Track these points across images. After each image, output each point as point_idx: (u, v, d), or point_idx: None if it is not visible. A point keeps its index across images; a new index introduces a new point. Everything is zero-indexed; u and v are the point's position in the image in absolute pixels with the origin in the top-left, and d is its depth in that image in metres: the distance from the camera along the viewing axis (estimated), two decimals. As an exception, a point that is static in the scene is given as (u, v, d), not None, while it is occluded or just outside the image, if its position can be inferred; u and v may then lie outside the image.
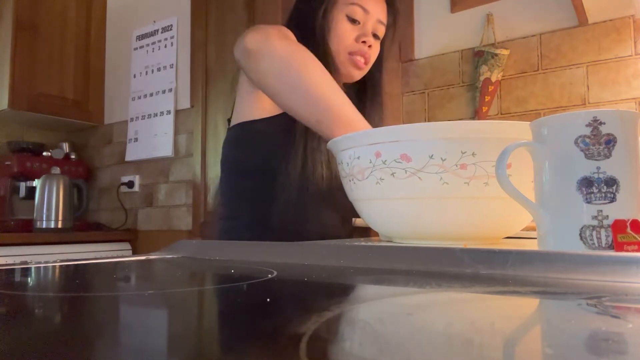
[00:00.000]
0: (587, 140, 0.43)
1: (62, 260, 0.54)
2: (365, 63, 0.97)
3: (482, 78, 1.55)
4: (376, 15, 0.97)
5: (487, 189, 0.53)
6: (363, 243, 0.57)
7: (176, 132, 2.36)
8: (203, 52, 2.29)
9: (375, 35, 0.98)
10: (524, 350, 0.21)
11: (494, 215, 0.56)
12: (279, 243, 0.58)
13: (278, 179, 0.88)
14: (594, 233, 0.43)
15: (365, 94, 1.04)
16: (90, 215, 2.66)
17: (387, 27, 1.01)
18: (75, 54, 2.55)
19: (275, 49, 0.79)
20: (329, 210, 0.93)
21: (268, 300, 0.32)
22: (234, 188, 0.96)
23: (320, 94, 0.75)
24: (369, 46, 0.96)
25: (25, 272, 0.48)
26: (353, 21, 0.95)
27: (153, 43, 2.50)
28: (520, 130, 0.53)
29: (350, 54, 0.95)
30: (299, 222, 0.90)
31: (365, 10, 0.95)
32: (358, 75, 0.98)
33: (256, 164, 0.92)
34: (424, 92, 1.71)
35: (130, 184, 2.50)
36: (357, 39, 0.95)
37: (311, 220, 0.92)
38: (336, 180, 0.90)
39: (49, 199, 2.24)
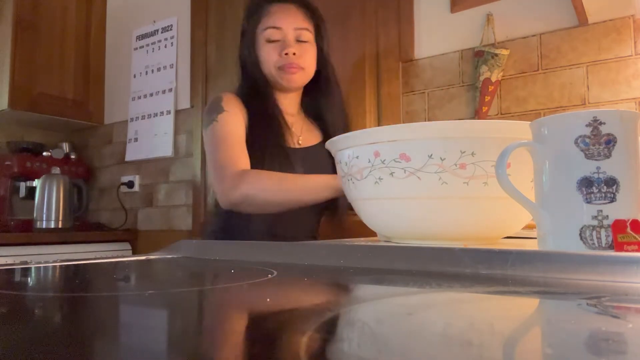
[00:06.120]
0: (587, 140, 0.43)
1: (62, 260, 0.54)
2: (296, 67, 1.09)
3: (482, 78, 1.55)
4: (291, 26, 1.10)
5: (486, 188, 0.53)
6: (363, 243, 0.57)
7: (176, 132, 2.36)
8: (203, 52, 2.29)
9: (300, 41, 1.10)
10: (524, 350, 0.21)
11: (493, 215, 0.56)
12: (279, 243, 0.58)
13: None
14: (594, 233, 0.43)
15: (319, 89, 1.19)
16: (90, 215, 2.66)
17: (317, 27, 1.14)
18: (75, 54, 2.54)
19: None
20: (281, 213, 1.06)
21: (268, 300, 0.32)
22: (215, 205, 1.16)
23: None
24: (293, 54, 1.08)
25: (25, 272, 0.48)
26: (272, 42, 1.10)
27: (153, 43, 2.50)
28: (520, 130, 0.53)
29: (279, 68, 1.09)
30: (252, 225, 1.07)
31: (277, 28, 1.10)
32: (300, 77, 1.11)
33: None
34: (424, 92, 1.71)
35: (130, 184, 2.50)
36: (280, 54, 1.09)
37: (263, 222, 1.07)
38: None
39: (49, 199, 2.23)
